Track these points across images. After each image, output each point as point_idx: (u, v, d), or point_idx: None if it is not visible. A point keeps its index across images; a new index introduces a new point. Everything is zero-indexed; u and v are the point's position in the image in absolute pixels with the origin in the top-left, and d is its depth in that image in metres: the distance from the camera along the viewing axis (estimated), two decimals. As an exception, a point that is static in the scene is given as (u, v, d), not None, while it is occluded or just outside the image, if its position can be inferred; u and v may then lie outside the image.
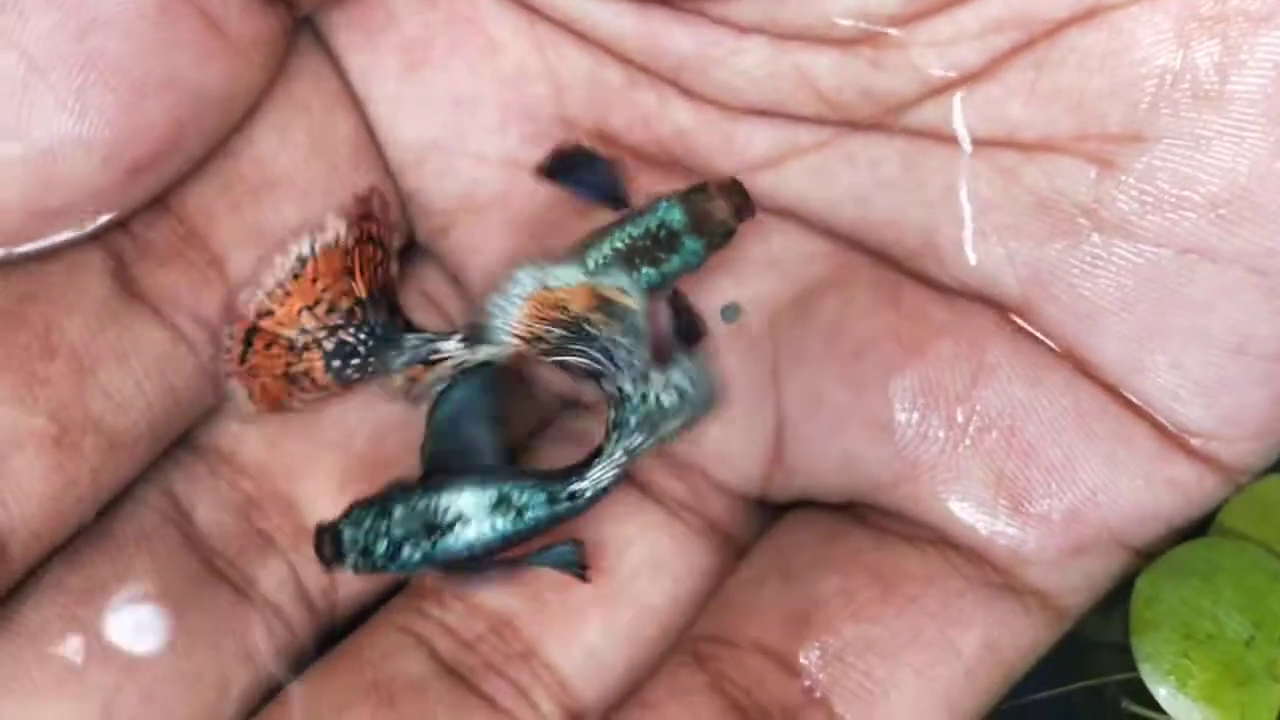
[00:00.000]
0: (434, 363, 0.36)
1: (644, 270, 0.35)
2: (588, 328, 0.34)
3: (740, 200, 0.35)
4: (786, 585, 0.36)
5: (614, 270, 0.35)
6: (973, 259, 0.35)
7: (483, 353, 0.35)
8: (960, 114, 0.34)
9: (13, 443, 0.32)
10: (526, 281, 0.34)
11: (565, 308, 0.34)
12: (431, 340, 0.36)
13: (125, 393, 0.34)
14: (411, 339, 0.36)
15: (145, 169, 0.33)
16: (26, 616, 0.33)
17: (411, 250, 0.38)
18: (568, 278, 0.34)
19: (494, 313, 0.34)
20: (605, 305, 0.34)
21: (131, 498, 0.35)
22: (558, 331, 0.34)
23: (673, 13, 0.35)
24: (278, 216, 0.36)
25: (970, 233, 0.34)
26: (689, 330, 0.36)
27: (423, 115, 0.37)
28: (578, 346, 0.34)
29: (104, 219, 0.34)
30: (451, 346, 0.35)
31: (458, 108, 0.36)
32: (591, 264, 0.35)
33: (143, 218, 0.35)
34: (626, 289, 0.34)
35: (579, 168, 0.36)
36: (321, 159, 0.36)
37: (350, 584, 0.37)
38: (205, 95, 0.33)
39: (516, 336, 0.34)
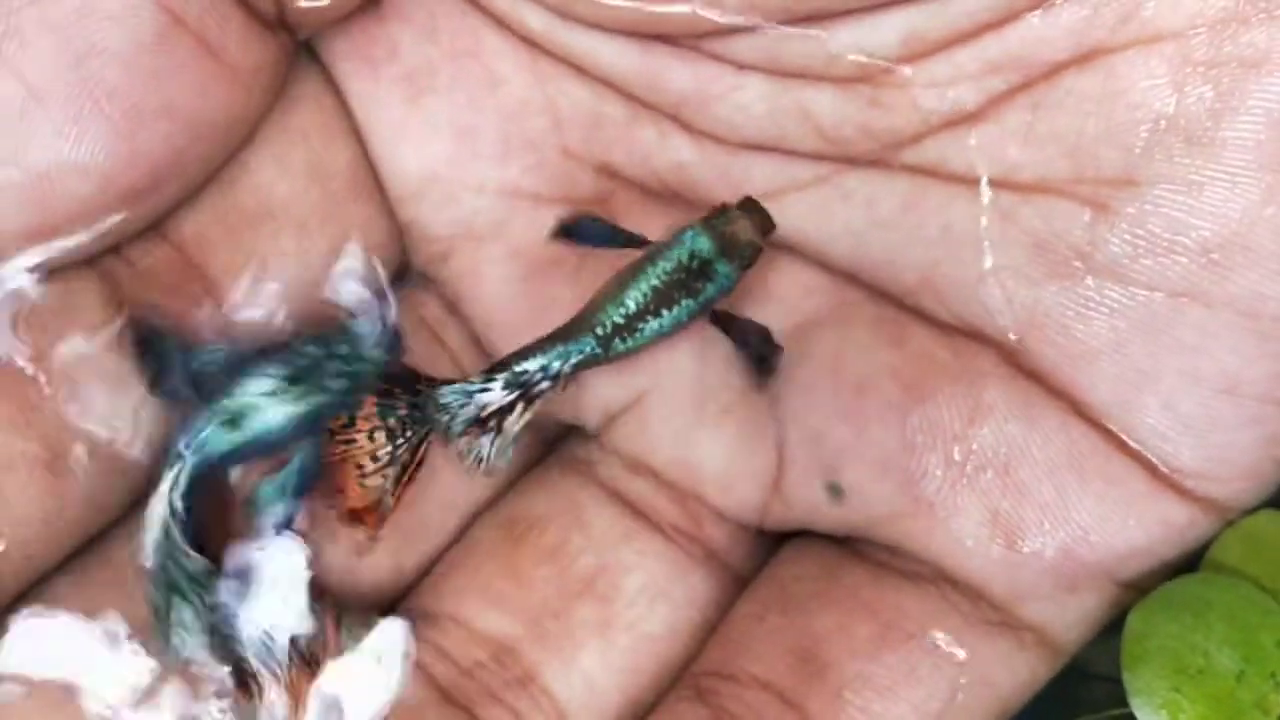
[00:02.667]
0: (486, 420, 0.36)
1: (683, 301, 0.35)
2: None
3: (761, 218, 0.35)
4: (787, 620, 0.36)
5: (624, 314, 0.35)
6: (982, 298, 0.35)
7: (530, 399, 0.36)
8: (975, 152, 0.34)
9: (4, 467, 0.32)
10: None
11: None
12: (470, 392, 0.35)
13: (119, 418, 0.34)
14: (447, 394, 0.35)
15: (142, 194, 0.33)
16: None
17: (408, 276, 0.39)
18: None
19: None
20: None
21: (130, 523, 0.35)
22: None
23: (673, 49, 0.35)
24: (274, 245, 0.36)
25: (986, 271, 0.35)
26: (763, 354, 0.37)
27: (423, 145, 0.37)
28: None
29: (102, 238, 0.34)
30: (496, 395, 0.35)
31: (458, 138, 0.37)
32: (633, 305, 0.35)
33: (139, 245, 0.35)
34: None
35: (586, 229, 0.36)
36: (320, 187, 0.37)
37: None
38: (203, 122, 0.33)
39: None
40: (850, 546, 0.37)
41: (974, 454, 0.35)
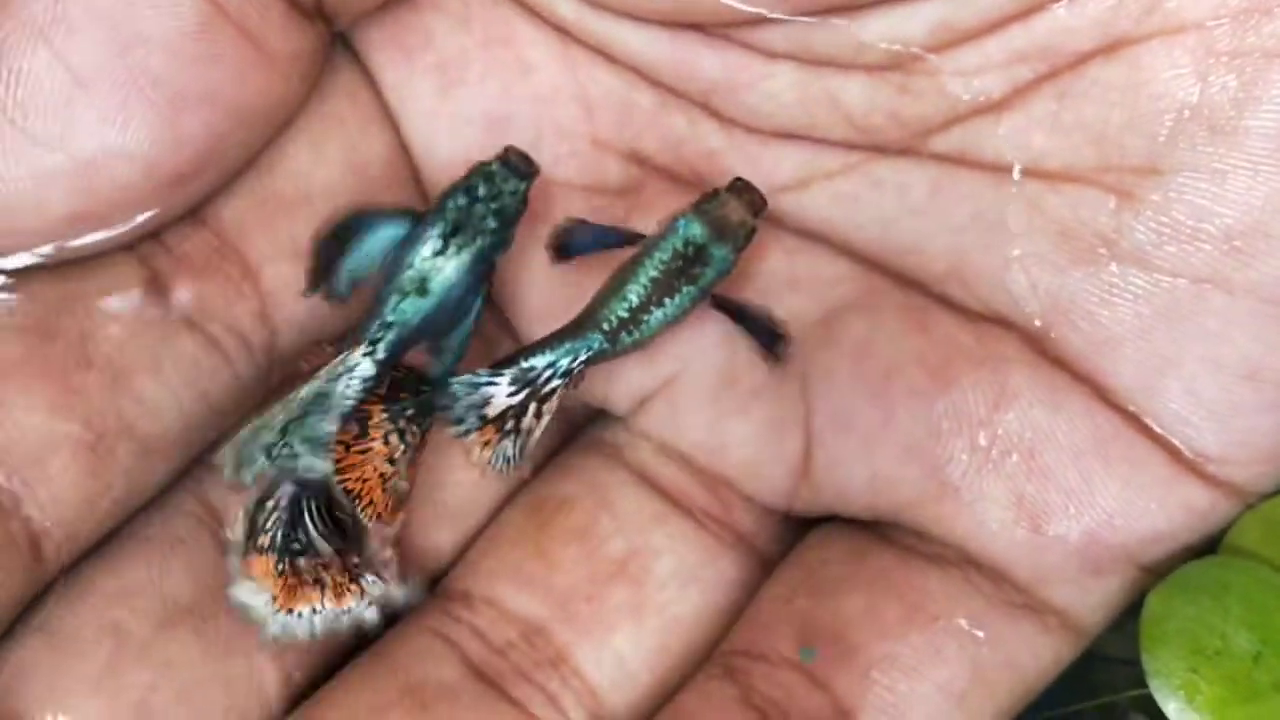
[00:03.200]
0: (504, 420, 0.36)
1: (684, 289, 0.36)
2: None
3: (751, 197, 0.36)
4: (815, 602, 0.36)
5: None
6: (1008, 284, 0.35)
7: (540, 396, 0.36)
8: (1003, 140, 0.34)
9: (49, 448, 0.33)
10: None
11: None
12: (476, 384, 0.36)
13: (159, 401, 0.35)
14: (454, 384, 0.36)
15: (185, 179, 0.34)
16: (62, 621, 0.34)
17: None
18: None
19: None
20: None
21: (167, 503, 0.36)
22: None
23: (703, 37, 0.35)
24: (312, 231, 0.36)
25: (1012, 258, 0.35)
26: (770, 337, 0.37)
27: (456, 133, 0.37)
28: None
29: (144, 223, 0.34)
30: (504, 390, 0.36)
31: (491, 127, 0.37)
32: (635, 298, 0.35)
33: (178, 230, 0.36)
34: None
35: (579, 238, 0.37)
36: (356, 175, 0.37)
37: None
38: (244, 109, 0.34)
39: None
40: (877, 530, 0.37)
41: (999, 439, 0.36)
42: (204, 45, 0.33)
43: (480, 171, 0.35)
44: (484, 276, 0.35)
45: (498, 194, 0.35)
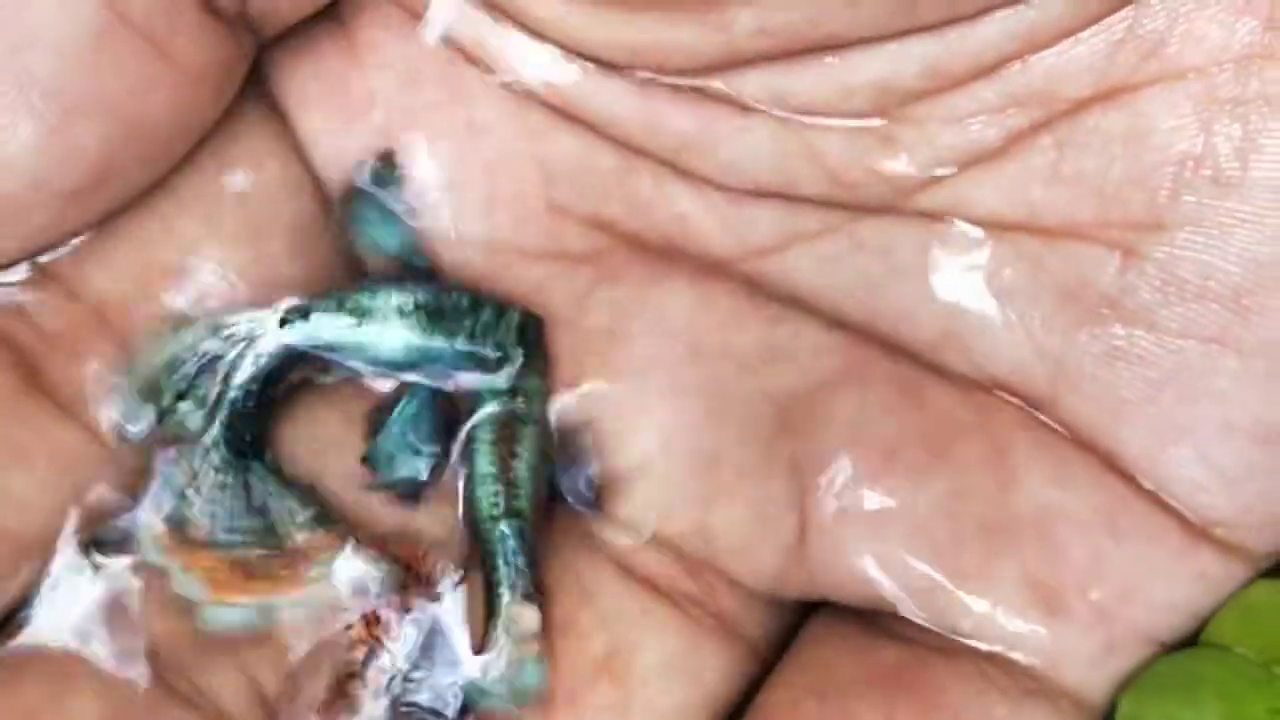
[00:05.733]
0: None
1: None
2: None
3: None
4: (823, 706, 0.34)
5: None
6: (1009, 349, 0.34)
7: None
8: (998, 193, 0.33)
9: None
10: None
11: None
12: None
13: (28, 496, 0.32)
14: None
15: (78, 195, 0.32)
16: None
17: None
18: None
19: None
20: None
21: None
22: None
23: (673, 91, 0.33)
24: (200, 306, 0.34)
25: (1014, 321, 0.34)
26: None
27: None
28: None
29: (39, 241, 0.32)
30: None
31: (440, 193, 0.35)
32: None
33: (50, 306, 0.33)
34: None
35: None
36: (253, 246, 0.34)
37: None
38: (146, 123, 0.32)
39: None
40: (878, 624, 0.36)
41: (1009, 520, 0.34)
42: (101, 54, 0.31)
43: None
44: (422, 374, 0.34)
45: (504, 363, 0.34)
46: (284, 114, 0.35)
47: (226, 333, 0.33)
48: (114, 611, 0.33)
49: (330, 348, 0.34)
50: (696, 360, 0.35)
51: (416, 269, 0.34)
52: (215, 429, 0.33)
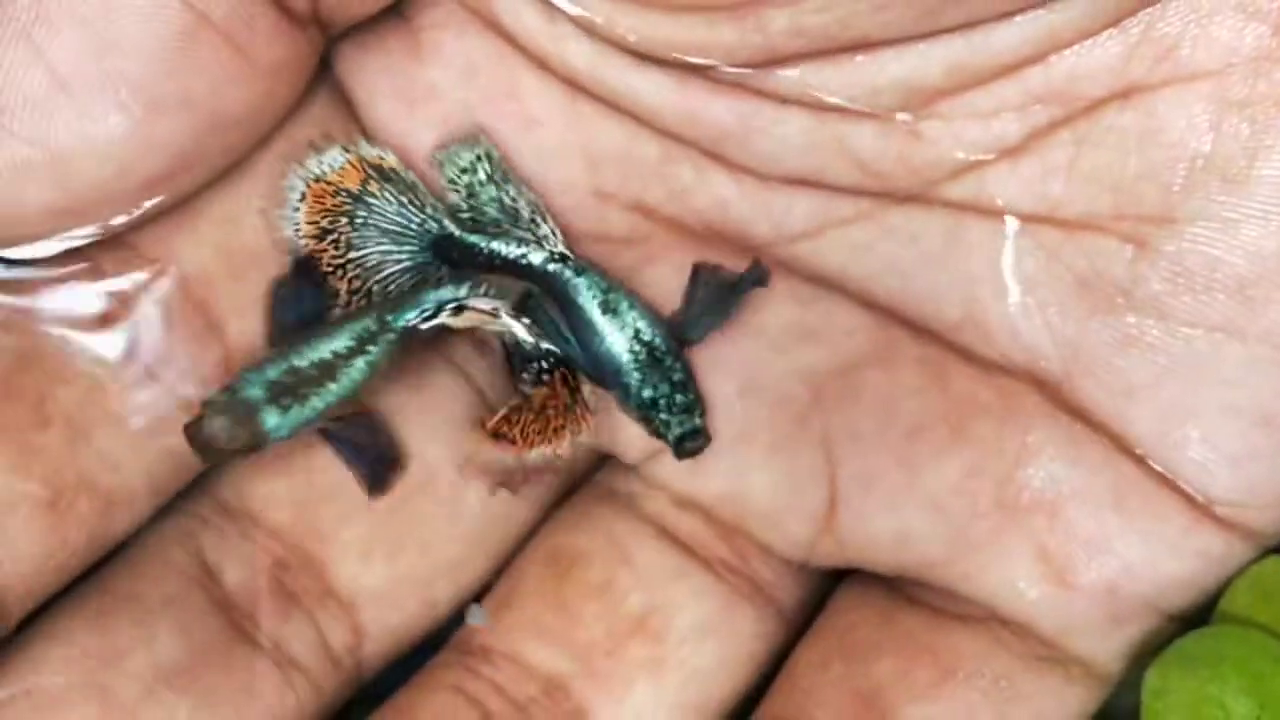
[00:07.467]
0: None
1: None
2: (369, 200, 0.35)
3: None
4: (849, 668, 0.36)
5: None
6: (1027, 334, 0.35)
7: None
8: (1018, 186, 0.35)
9: (7, 507, 0.32)
10: (296, 183, 0.35)
11: (340, 190, 0.35)
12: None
13: (120, 455, 0.34)
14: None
15: (158, 182, 0.33)
16: (48, 682, 0.33)
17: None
18: (331, 161, 0.35)
19: (281, 225, 0.35)
20: (377, 173, 0.35)
21: (160, 560, 0.35)
22: (344, 219, 0.35)
23: (711, 84, 0.35)
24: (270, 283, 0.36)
25: (1031, 307, 0.35)
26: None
27: None
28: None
29: (119, 225, 0.34)
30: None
31: None
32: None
33: (138, 279, 0.35)
34: (384, 154, 0.35)
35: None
36: None
37: (377, 642, 0.37)
38: (225, 116, 0.33)
39: (310, 238, 0.35)
40: (903, 591, 0.37)
41: (1023, 495, 0.36)
42: (185, 54, 0.32)
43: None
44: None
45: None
46: (352, 104, 0.36)
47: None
48: None
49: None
50: (732, 338, 0.37)
51: None
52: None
